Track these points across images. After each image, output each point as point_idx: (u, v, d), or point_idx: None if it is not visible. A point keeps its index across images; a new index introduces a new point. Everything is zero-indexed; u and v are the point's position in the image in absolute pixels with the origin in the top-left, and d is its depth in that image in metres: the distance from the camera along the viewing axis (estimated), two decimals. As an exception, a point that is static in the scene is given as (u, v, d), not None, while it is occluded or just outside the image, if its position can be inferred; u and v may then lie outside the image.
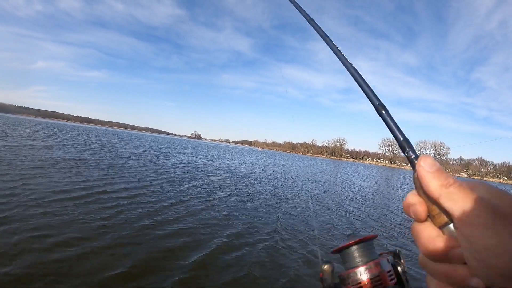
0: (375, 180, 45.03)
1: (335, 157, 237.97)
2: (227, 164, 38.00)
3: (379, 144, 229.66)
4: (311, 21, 1.19)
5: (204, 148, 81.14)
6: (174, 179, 18.81)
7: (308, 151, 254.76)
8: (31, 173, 14.22)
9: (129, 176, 17.56)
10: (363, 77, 0.87)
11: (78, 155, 23.95)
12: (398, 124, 0.69)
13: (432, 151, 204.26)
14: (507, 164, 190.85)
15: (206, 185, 18.16)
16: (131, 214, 10.01)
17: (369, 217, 15.27)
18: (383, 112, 0.72)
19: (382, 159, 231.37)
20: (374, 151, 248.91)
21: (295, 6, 1.26)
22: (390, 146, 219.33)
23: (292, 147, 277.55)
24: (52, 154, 22.21)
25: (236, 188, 18.62)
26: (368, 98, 0.80)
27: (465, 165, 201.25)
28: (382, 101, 0.76)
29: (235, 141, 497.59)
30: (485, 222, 0.47)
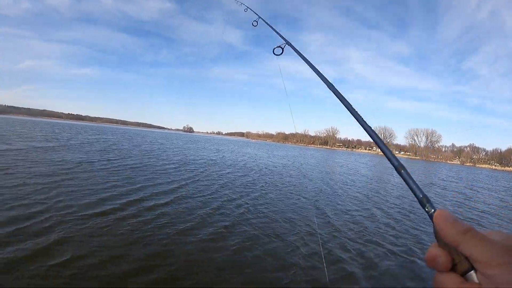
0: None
1: (328, 147, 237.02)
2: (237, 158, 37.57)
3: None
4: (331, 87, 1.58)
5: (204, 142, 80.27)
6: (197, 178, 18.31)
7: (300, 141, 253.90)
8: (53, 180, 13.62)
9: (155, 177, 17.06)
10: (383, 142, 1.03)
11: (90, 157, 23.27)
12: (414, 180, 0.82)
13: (424, 138, 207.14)
14: (499, 151, 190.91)
15: (233, 183, 17.75)
16: (187, 218, 9.92)
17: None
18: (402, 171, 0.86)
19: (374, 148, 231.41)
20: (367, 139, 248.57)
21: (295, 52, 1.83)
22: (381, 135, 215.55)
23: (284, 138, 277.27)
24: (63, 157, 21.54)
25: (264, 185, 18.08)
26: (389, 159, 0.94)
27: (457, 152, 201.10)
28: (400, 162, 0.88)
29: (228, 133, 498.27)
30: (502, 261, 0.55)
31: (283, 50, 2.53)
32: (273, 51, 2.56)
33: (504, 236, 0.61)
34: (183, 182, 16.29)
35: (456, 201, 19.92)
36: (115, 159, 23.00)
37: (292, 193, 16.37)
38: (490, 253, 0.56)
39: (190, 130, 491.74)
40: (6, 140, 30.05)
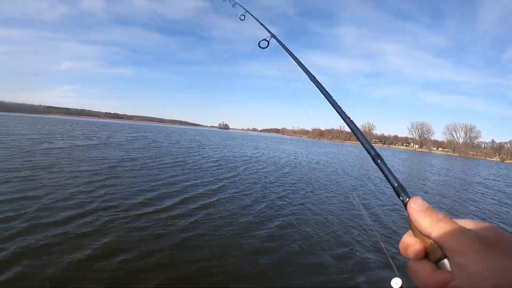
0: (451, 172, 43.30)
1: None
2: (276, 155, 37.23)
3: (408, 128, 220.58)
4: (312, 78, 1.61)
5: (241, 139, 79.94)
6: (239, 175, 18.06)
7: (336, 137, 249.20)
8: (98, 178, 13.64)
9: (197, 175, 16.84)
10: (360, 131, 1.03)
11: (131, 154, 23.45)
12: (390, 169, 0.83)
13: (462, 134, 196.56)
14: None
15: (278, 180, 17.37)
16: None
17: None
18: (379, 161, 0.87)
19: (411, 144, 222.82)
20: (404, 135, 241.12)
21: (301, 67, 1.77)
22: (419, 130, 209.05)
23: (320, 134, 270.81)
24: (105, 155, 21.77)
25: (308, 182, 17.68)
26: (365, 148, 0.94)
27: (497, 148, 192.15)
28: (377, 151, 0.89)
29: (263, 129, 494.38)
30: (474, 249, 0.55)
31: (268, 43, 2.57)
32: (259, 44, 2.59)
33: (477, 224, 0.62)
34: (226, 180, 16.05)
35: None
36: (155, 157, 23.09)
37: (338, 192, 16.10)
38: (462, 241, 0.57)
39: (225, 127, 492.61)
40: (48, 139, 30.73)
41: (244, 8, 4.01)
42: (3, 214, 8.25)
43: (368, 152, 0.93)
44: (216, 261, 6.68)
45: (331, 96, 1.34)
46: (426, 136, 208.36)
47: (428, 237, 0.63)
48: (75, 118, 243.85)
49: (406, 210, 0.68)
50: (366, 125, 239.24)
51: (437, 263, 0.62)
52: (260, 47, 2.58)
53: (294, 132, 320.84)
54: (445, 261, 0.60)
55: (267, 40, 2.57)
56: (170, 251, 6.88)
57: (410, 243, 0.67)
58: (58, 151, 21.77)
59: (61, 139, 32.05)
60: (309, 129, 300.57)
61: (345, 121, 1.17)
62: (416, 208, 0.66)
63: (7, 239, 6.77)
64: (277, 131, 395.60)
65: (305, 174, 21.10)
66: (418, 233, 0.65)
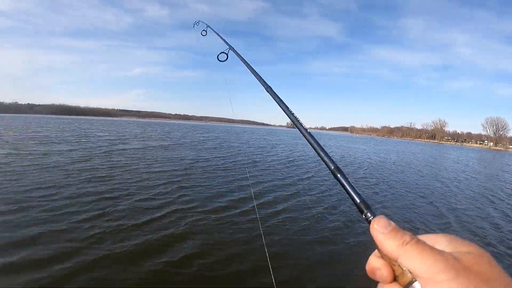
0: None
1: (435, 140, 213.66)
2: (346, 153, 36.51)
3: (482, 125, 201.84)
4: (268, 89, 1.68)
5: (318, 139, 78.62)
6: (310, 174, 17.49)
7: (406, 135, 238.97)
8: (173, 176, 13.70)
9: (269, 173, 16.51)
10: (319, 143, 0.99)
11: (204, 154, 23.62)
12: (353, 185, 0.76)
13: None
14: None
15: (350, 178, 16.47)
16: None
17: None
18: (339, 175, 0.81)
19: (486, 141, 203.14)
20: (477, 132, 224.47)
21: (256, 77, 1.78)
22: (494, 127, 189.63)
23: (389, 132, 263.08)
24: (179, 154, 22.11)
25: (380, 181, 17.05)
26: (324, 162, 0.89)
27: None
28: (337, 164, 0.85)
29: (331, 128, 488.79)
30: (448, 277, 0.49)
31: (227, 56, 2.59)
32: (218, 58, 2.61)
33: (451, 241, 0.56)
34: (298, 178, 15.64)
35: None
36: (227, 156, 23.09)
37: (420, 194, 15.28)
38: (432, 267, 0.50)
39: (293, 126, 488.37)
40: (124, 140, 31.88)
41: (205, 24, 4.11)
42: (84, 214, 8.32)
43: (327, 165, 0.87)
44: (280, 259, 6.41)
45: (288, 108, 1.41)
46: (501, 133, 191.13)
47: (396, 261, 0.56)
48: (147, 120, 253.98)
49: (369, 230, 0.62)
50: (438, 122, 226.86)
51: (407, 287, 0.56)
52: (219, 60, 2.61)
53: (363, 130, 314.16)
54: (416, 284, 0.54)
55: (225, 53, 2.60)
56: (251, 256, 6.51)
57: (376, 267, 0.61)
58: (134, 152, 22.42)
59: (136, 140, 33.20)
60: (378, 126, 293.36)
61: (301, 133, 1.16)
62: (380, 229, 0.59)
63: (86, 239, 6.76)
64: (345, 129, 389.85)
65: (379, 174, 20.24)
66: (385, 255, 0.59)
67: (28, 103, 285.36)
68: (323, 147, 0.95)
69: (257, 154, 26.71)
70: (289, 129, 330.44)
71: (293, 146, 40.01)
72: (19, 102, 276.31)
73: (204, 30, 4.02)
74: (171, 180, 13.15)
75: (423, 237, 0.59)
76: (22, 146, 22.77)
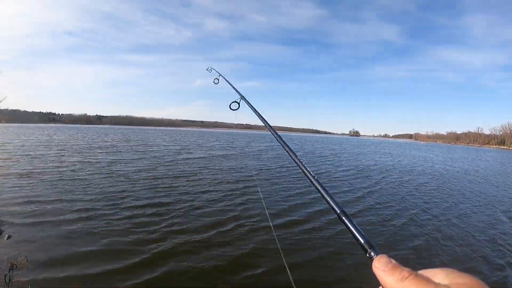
0: None
1: (505, 147, 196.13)
2: (413, 162, 34.96)
3: None
4: (278, 138, 1.71)
5: (374, 146, 76.93)
6: (379, 186, 16.81)
7: (473, 141, 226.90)
8: (238, 187, 13.56)
9: (336, 184, 16.18)
10: (325, 188, 1.04)
11: (268, 164, 23.47)
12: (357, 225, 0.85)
13: None
14: None
15: (419, 190, 15.87)
16: None
17: None
18: (344, 218, 0.89)
19: None
20: None
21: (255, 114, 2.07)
22: None
23: (456, 138, 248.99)
24: (245, 164, 22.03)
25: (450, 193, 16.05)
26: (331, 207, 0.96)
27: None
28: (342, 208, 0.93)
29: (395, 135, 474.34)
30: None
31: (239, 105, 2.70)
32: (230, 107, 2.70)
33: (449, 276, 0.59)
34: (367, 190, 15.03)
35: None
36: (292, 166, 22.27)
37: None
38: None
39: (356, 134, 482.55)
40: (188, 150, 32.35)
41: (218, 72, 4.26)
42: (149, 218, 8.75)
43: (333, 209, 0.94)
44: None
45: (294, 153, 1.43)
46: None
47: None
48: (210, 129, 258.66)
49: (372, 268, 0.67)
50: (507, 126, 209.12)
51: None
52: (231, 109, 2.68)
53: (428, 137, 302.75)
54: None
55: (237, 102, 2.68)
56: (308, 268, 6.37)
57: None
58: (198, 161, 22.67)
59: (200, 149, 33.76)
60: (444, 132, 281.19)
61: (310, 181, 1.16)
62: (381, 267, 0.64)
63: (148, 242, 7.10)
64: (409, 136, 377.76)
65: (445, 184, 19.00)
66: None
67: (96, 115, 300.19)
68: (328, 191, 1.01)
69: (321, 164, 26.18)
70: (351, 137, 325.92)
71: (360, 156, 39.09)
72: (88, 114, 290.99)
73: (216, 78, 4.21)
74: (234, 188, 13.24)
75: (422, 272, 0.62)
76: (91, 155, 23.75)
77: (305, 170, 1.21)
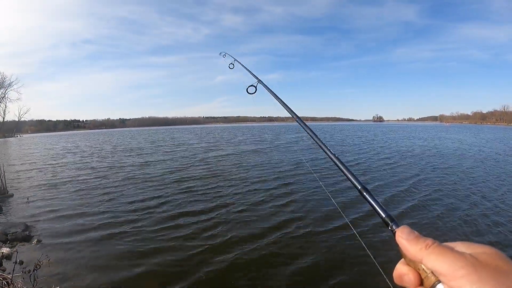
0: None
1: None
2: (448, 145, 33.88)
3: None
4: (298, 119, 1.76)
5: (402, 131, 75.83)
6: (422, 175, 15.60)
7: (500, 120, 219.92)
8: (268, 187, 12.85)
9: (382, 174, 15.18)
10: (345, 164, 1.07)
11: (301, 156, 22.60)
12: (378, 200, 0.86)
13: None
14: None
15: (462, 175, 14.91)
16: None
17: None
18: (365, 193, 0.91)
19: None
20: None
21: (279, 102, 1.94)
22: None
23: (482, 118, 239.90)
24: (272, 158, 21.24)
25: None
26: (351, 182, 0.98)
27: None
28: (363, 184, 0.94)
29: (419, 118, 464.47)
30: (468, 272, 0.55)
31: (256, 89, 2.70)
32: (247, 90, 2.72)
33: (469, 246, 0.61)
34: (417, 178, 13.99)
35: None
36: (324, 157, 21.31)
37: None
38: (452, 265, 0.57)
39: (380, 119, 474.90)
40: (217, 146, 31.83)
41: (233, 57, 4.17)
42: (187, 228, 8.21)
43: (354, 185, 0.96)
44: None
45: (317, 136, 1.48)
46: None
47: (421, 263, 0.63)
48: (233, 124, 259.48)
49: (395, 240, 0.70)
50: None
51: None
52: (248, 92, 2.70)
53: (453, 118, 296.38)
54: (440, 285, 0.60)
55: (254, 86, 2.68)
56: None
57: (403, 272, 0.67)
58: (230, 158, 22.17)
59: (229, 145, 33.21)
60: (469, 113, 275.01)
61: (332, 159, 1.19)
62: (404, 236, 0.67)
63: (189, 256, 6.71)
64: (434, 118, 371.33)
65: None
66: (410, 261, 0.66)
67: (119, 118, 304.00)
68: (349, 167, 1.04)
69: (358, 153, 25.20)
70: (375, 123, 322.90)
71: (388, 141, 38.64)
72: (111, 118, 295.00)
73: (231, 63, 4.13)
74: (272, 186, 12.70)
75: (443, 244, 0.64)
76: (119, 159, 23.68)
77: (322, 146, 1.29)
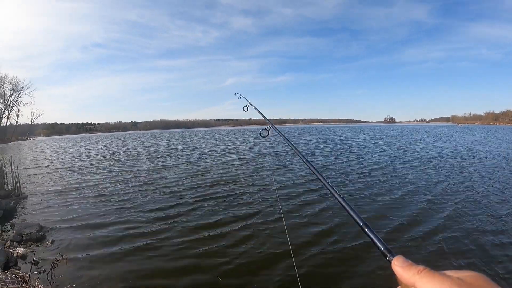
0: None
1: None
2: (468, 147, 32.94)
3: None
4: (307, 163, 1.75)
5: (415, 133, 73.38)
6: (450, 179, 15.09)
7: None
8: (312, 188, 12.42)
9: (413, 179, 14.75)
10: (348, 202, 1.11)
11: (320, 159, 22.36)
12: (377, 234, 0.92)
13: None
14: None
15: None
16: None
17: None
18: (367, 229, 0.96)
19: None
20: None
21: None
22: None
23: (494, 118, 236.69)
24: (293, 161, 20.33)
25: None
26: (353, 219, 1.03)
27: None
28: (364, 220, 1.00)
29: (431, 119, 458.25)
30: None
31: (268, 132, 2.97)
32: (260, 134, 3.01)
33: (458, 272, 0.67)
34: (446, 184, 13.19)
35: None
36: (351, 160, 21.38)
37: None
38: (440, 285, 0.63)
39: (391, 121, 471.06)
40: (234, 149, 31.41)
41: (247, 100, 4.51)
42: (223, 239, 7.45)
43: (356, 221, 1.02)
44: None
45: (321, 175, 1.48)
46: None
47: (414, 287, 0.69)
48: (245, 127, 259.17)
49: (392, 268, 0.77)
50: None
51: None
52: (261, 136, 2.97)
53: (465, 119, 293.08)
54: None
55: (267, 130, 2.96)
56: None
57: None
58: (248, 161, 21.92)
59: (244, 148, 33.06)
60: (482, 113, 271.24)
61: (333, 195, 1.24)
62: (399, 264, 0.75)
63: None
64: (446, 119, 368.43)
65: None
66: (405, 286, 0.73)
67: (131, 121, 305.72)
68: (350, 204, 1.09)
69: (380, 156, 24.69)
70: (387, 124, 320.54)
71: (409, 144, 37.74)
72: (123, 121, 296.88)
73: (246, 106, 4.40)
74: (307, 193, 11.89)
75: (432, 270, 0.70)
76: (136, 162, 23.48)
77: (330, 188, 1.29)
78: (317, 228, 8.19)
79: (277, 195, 11.51)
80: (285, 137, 2.47)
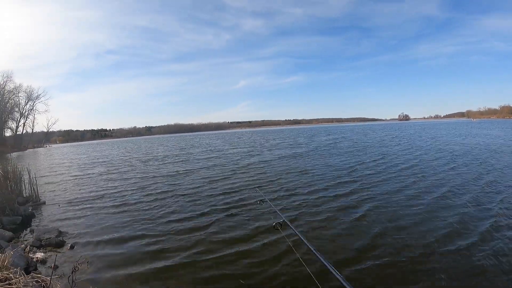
0: None
1: None
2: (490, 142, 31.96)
3: None
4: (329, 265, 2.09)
5: (437, 129, 71.99)
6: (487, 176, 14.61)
7: None
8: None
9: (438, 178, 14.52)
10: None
11: (347, 159, 22.75)
12: None
13: None
14: None
15: None
16: None
17: None
18: None
19: None
20: None
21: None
22: None
23: (510, 112, 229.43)
24: (330, 164, 21.35)
25: None
26: None
27: None
28: None
29: (446, 115, 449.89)
30: None
31: (281, 226, 3.47)
32: (273, 226, 3.55)
33: None
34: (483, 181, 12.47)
35: None
36: (374, 160, 21.00)
37: None
38: None
39: (406, 117, 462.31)
40: (254, 153, 30.91)
41: (263, 196, 5.67)
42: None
43: None
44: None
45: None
46: None
47: None
48: (259, 129, 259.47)
49: None
50: None
51: None
52: (275, 228, 3.50)
53: (480, 113, 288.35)
54: None
55: (280, 223, 3.49)
56: None
57: None
58: (272, 164, 21.39)
59: (267, 151, 32.60)
60: (497, 107, 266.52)
61: None
62: None
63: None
64: (461, 115, 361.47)
65: None
66: None
67: (145, 126, 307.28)
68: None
69: (406, 154, 24.41)
70: (401, 122, 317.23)
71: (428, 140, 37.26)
72: (137, 126, 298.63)
73: (261, 200, 5.53)
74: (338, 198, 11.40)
75: None
76: (156, 168, 23.33)
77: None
78: (358, 242, 7.11)
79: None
80: (299, 234, 2.92)
